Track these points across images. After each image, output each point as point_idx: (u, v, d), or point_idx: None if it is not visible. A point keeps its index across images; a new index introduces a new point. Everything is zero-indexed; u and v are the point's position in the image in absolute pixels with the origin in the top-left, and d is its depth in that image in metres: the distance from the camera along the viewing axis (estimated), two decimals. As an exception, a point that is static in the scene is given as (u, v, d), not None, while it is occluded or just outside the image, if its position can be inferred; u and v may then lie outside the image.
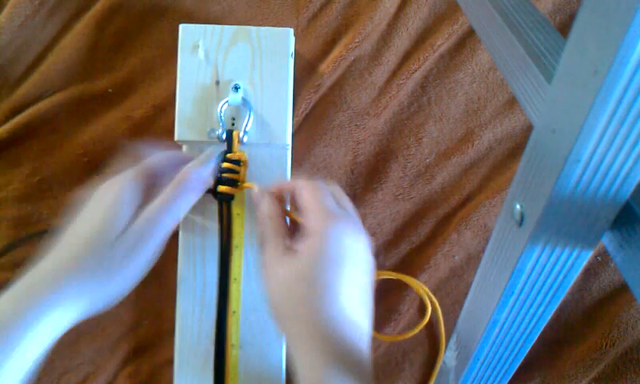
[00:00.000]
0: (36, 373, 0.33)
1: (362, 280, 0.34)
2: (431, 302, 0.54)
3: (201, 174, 0.40)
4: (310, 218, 0.35)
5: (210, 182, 0.41)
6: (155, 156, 0.41)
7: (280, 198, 0.41)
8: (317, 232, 0.34)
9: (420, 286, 0.54)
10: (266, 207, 0.39)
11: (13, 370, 0.31)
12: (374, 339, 0.54)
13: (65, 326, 0.34)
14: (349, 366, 0.31)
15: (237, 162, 0.43)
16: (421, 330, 0.55)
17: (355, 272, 0.34)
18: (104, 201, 0.37)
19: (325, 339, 0.31)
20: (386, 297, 0.54)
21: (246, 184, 0.44)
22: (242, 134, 0.44)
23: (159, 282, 0.52)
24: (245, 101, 0.45)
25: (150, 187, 0.39)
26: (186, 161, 0.41)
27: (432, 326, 0.54)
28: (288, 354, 0.46)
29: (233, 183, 0.43)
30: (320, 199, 0.36)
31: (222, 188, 0.43)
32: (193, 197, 0.39)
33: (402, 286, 0.54)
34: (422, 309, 0.55)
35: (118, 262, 0.35)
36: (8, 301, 0.33)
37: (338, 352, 0.31)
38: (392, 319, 0.54)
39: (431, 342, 0.54)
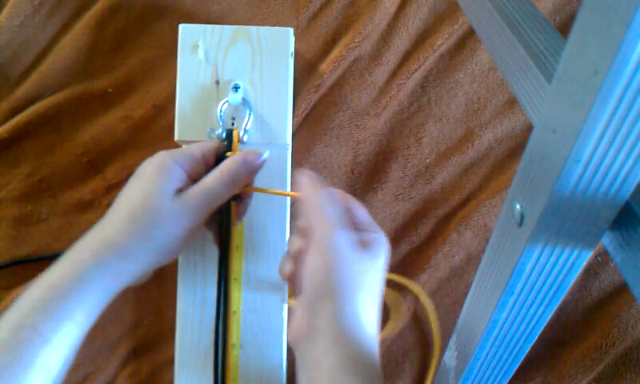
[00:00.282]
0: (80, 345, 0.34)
1: (380, 286, 0.35)
2: (425, 303, 0.54)
3: (245, 169, 0.40)
4: (369, 219, 0.38)
5: (249, 180, 0.42)
6: (199, 144, 0.41)
7: None
8: (374, 237, 0.36)
9: (411, 284, 0.54)
10: (334, 192, 0.37)
11: (64, 338, 0.33)
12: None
13: (110, 293, 0.35)
14: (363, 367, 0.30)
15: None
16: (421, 331, 0.55)
17: (380, 279, 0.35)
18: (149, 172, 0.38)
19: (345, 336, 0.31)
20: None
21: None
22: (242, 133, 0.44)
23: (159, 282, 0.52)
24: (245, 100, 0.45)
25: (192, 170, 0.39)
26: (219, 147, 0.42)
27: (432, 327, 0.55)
28: (289, 353, 0.46)
29: None
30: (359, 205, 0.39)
31: None
32: (232, 188, 0.40)
33: (400, 287, 0.54)
34: (412, 318, 0.55)
35: (160, 229, 0.36)
36: (57, 270, 0.34)
37: (356, 352, 0.31)
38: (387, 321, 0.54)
39: (431, 343, 0.54)
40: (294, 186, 0.41)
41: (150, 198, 0.37)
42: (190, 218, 0.37)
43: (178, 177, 0.38)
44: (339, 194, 0.38)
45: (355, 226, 0.37)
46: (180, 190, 0.38)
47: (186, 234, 0.38)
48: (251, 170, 0.41)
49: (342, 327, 0.31)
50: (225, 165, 0.40)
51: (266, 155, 0.42)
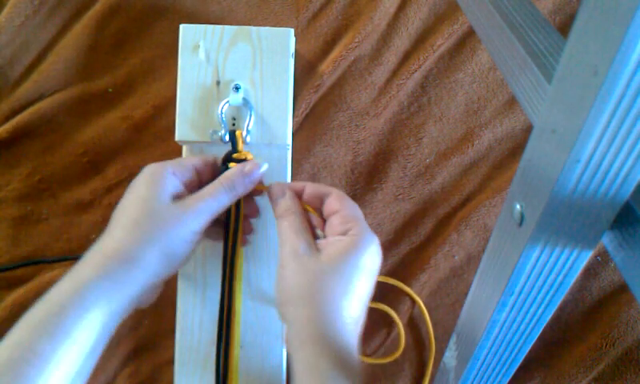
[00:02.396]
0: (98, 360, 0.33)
1: (369, 290, 0.35)
2: (419, 306, 0.54)
3: (245, 179, 0.40)
4: (345, 222, 0.36)
5: (247, 191, 0.42)
6: (195, 157, 0.42)
7: (299, 196, 0.41)
8: (353, 237, 0.35)
9: (404, 287, 0.54)
10: (289, 202, 0.39)
11: (67, 359, 0.31)
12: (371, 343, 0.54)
13: (116, 305, 0.34)
14: (345, 371, 0.31)
15: (243, 162, 0.43)
16: (421, 331, 0.55)
17: (368, 283, 0.35)
18: (143, 182, 0.37)
19: (327, 340, 0.32)
20: (381, 301, 0.54)
21: (307, 207, 0.43)
22: (244, 134, 0.44)
23: (159, 282, 0.52)
24: (245, 101, 0.45)
25: (186, 180, 0.39)
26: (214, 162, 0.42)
27: (433, 328, 0.55)
28: (287, 353, 0.46)
29: None
30: (349, 206, 0.37)
31: None
32: (231, 197, 0.40)
33: (397, 291, 0.54)
34: (411, 318, 0.55)
35: (166, 224, 0.36)
36: (59, 290, 0.33)
37: (338, 355, 0.31)
38: (385, 325, 0.54)
39: (431, 343, 0.54)
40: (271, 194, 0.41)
41: (148, 203, 0.36)
42: (192, 222, 0.37)
43: (173, 183, 0.38)
44: (292, 186, 0.40)
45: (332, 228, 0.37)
46: (177, 197, 0.38)
47: (192, 237, 0.37)
48: (251, 180, 0.40)
49: (314, 333, 0.32)
50: (224, 175, 0.40)
51: (264, 168, 0.42)
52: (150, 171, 0.38)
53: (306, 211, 0.39)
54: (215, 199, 0.38)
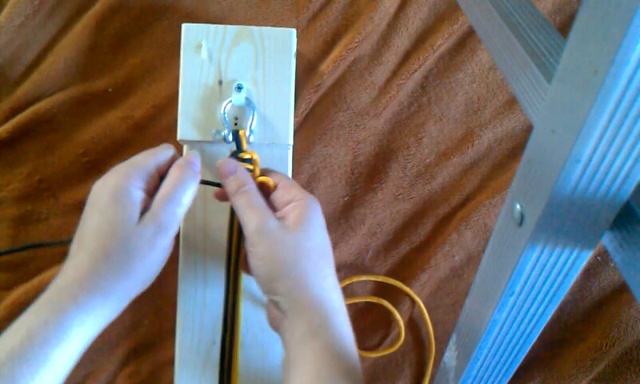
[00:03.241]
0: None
1: (329, 242, 0.39)
2: (419, 306, 0.54)
3: (196, 161, 0.40)
4: (288, 191, 0.39)
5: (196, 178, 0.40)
6: (151, 156, 0.39)
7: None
8: (301, 201, 0.38)
9: (403, 287, 0.54)
10: (242, 178, 0.40)
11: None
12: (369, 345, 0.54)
13: (93, 334, 0.34)
14: (340, 327, 0.35)
15: (249, 161, 0.43)
16: (421, 331, 0.55)
17: (326, 235, 0.39)
18: (111, 203, 0.36)
19: (319, 302, 0.35)
20: (379, 305, 0.54)
21: (260, 178, 0.43)
22: (247, 133, 0.44)
23: (159, 282, 0.52)
24: (248, 101, 0.45)
25: (148, 186, 0.38)
26: (174, 158, 0.41)
27: (433, 328, 0.55)
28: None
29: None
30: (283, 177, 0.42)
31: None
32: (194, 183, 0.39)
33: (396, 291, 0.54)
34: (411, 318, 0.55)
35: (137, 258, 0.35)
36: (33, 318, 0.32)
37: (330, 313, 0.35)
38: (384, 325, 0.54)
39: (431, 343, 0.54)
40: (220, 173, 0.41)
41: (117, 228, 0.35)
42: (164, 236, 0.36)
43: (138, 198, 0.36)
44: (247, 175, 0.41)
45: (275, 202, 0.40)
46: (143, 210, 0.36)
47: (165, 254, 0.37)
48: (196, 168, 0.40)
49: (299, 303, 0.35)
50: (171, 171, 0.38)
51: (197, 157, 0.41)
52: (112, 186, 0.36)
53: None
54: (177, 199, 0.37)
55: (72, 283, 0.34)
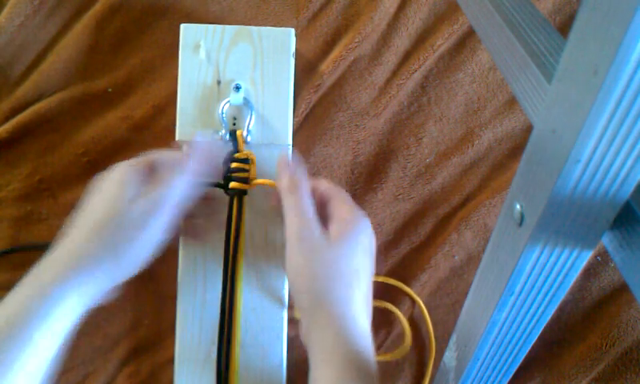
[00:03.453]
0: (58, 366, 0.33)
1: (372, 269, 0.37)
2: (419, 306, 0.54)
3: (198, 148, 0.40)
4: (339, 207, 0.38)
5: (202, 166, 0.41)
6: (153, 151, 0.41)
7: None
8: (351, 218, 0.37)
9: (403, 287, 0.54)
10: (298, 178, 0.38)
11: (29, 367, 0.31)
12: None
13: (79, 313, 0.34)
14: (361, 364, 0.32)
15: (245, 161, 0.43)
16: (421, 331, 0.55)
17: (372, 262, 0.37)
18: (109, 182, 0.37)
19: (336, 327, 0.33)
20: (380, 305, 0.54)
21: (257, 181, 0.43)
22: (245, 133, 0.44)
23: (159, 281, 0.52)
24: (246, 101, 0.45)
25: (151, 178, 0.39)
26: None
27: (433, 328, 0.54)
28: (290, 349, 0.46)
29: (244, 181, 0.43)
30: (344, 193, 0.39)
31: (233, 184, 0.43)
32: (189, 178, 0.39)
33: (396, 291, 0.54)
34: (411, 318, 0.55)
35: (128, 236, 0.35)
36: (18, 295, 0.32)
37: (355, 341, 0.33)
38: (386, 324, 0.54)
39: (431, 343, 0.54)
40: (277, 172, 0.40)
41: (111, 203, 0.35)
42: (157, 215, 0.36)
43: (137, 182, 0.37)
44: (309, 184, 0.40)
45: (329, 216, 0.38)
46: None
47: (157, 237, 0.36)
48: (210, 152, 0.40)
49: (319, 323, 0.33)
50: (169, 161, 0.39)
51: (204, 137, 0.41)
52: (114, 172, 0.37)
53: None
54: (175, 188, 0.37)
55: (56, 261, 0.34)
